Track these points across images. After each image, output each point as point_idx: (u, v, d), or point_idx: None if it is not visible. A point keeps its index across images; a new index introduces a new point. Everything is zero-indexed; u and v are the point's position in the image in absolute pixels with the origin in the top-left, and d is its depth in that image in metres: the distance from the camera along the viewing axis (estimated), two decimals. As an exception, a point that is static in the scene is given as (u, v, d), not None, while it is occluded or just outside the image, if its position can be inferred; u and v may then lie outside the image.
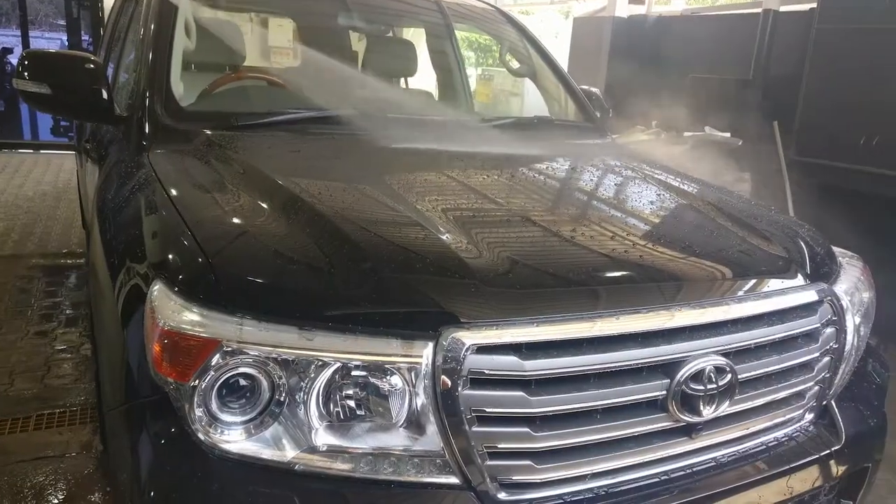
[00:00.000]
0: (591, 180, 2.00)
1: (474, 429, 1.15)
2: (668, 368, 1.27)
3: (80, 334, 3.37)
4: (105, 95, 1.95)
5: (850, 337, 1.58)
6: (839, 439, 1.53)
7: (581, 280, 1.30)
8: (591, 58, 6.82)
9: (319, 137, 2.02)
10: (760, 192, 4.92)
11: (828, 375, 1.54)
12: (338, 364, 1.14)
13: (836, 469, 1.52)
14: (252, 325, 1.13)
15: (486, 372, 1.14)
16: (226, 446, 1.13)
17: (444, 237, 1.34)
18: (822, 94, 4.38)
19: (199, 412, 1.12)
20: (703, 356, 1.29)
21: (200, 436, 1.13)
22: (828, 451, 1.49)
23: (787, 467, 1.45)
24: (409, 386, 1.16)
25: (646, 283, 1.32)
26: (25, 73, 1.93)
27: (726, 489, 1.36)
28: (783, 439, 1.49)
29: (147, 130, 1.91)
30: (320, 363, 1.14)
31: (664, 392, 1.27)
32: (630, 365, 1.23)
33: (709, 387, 1.29)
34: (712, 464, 1.38)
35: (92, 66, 1.96)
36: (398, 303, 1.19)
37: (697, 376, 1.28)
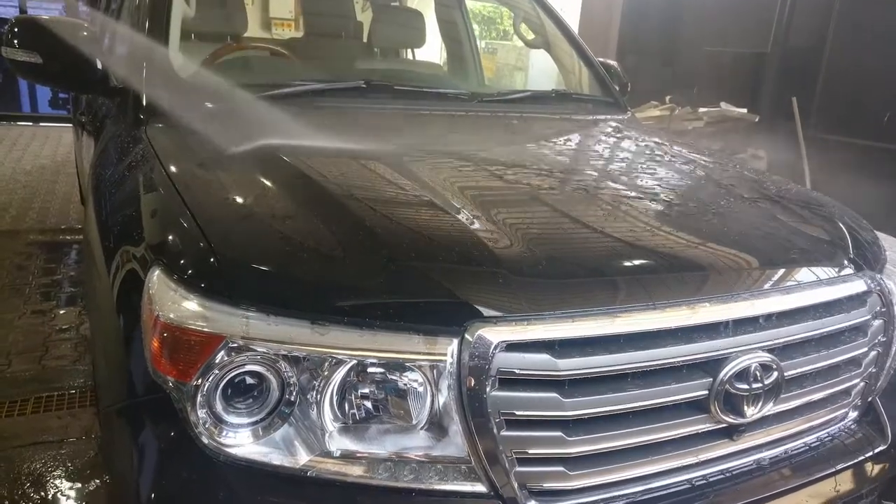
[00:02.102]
0: (622, 161, 1.87)
1: (503, 433, 1.05)
2: (710, 366, 1.17)
3: (80, 313, 3.28)
4: (99, 66, 1.84)
5: (897, 329, 1.48)
6: (885, 439, 1.44)
7: (618, 271, 1.19)
8: (600, 31, 6.63)
9: (328, 111, 1.90)
10: (776, 169, 4.79)
11: (874, 371, 1.44)
12: (353, 361, 1.04)
13: (881, 470, 1.43)
14: (260, 318, 1.03)
15: (517, 371, 1.04)
16: (231, 451, 1.04)
17: (468, 223, 1.23)
18: (845, 67, 4.23)
19: (202, 414, 1.03)
20: (749, 353, 1.19)
21: (204, 439, 1.03)
22: (873, 452, 1.40)
23: (831, 470, 1.35)
24: (431, 386, 1.06)
25: (687, 273, 1.21)
26: (15, 41, 1.81)
27: (766, 494, 1.26)
28: (826, 439, 1.40)
29: (144, 103, 1.80)
30: (334, 360, 1.04)
31: (706, 392, 1.17)
32: (670, 363, 1.13)
33: (754, 386, 1.19)
34: (753, 466, 1.29)
35: (85, 34, 1.84)
36: (420, 294, 1.08)
37: (742, 374, 1.18)
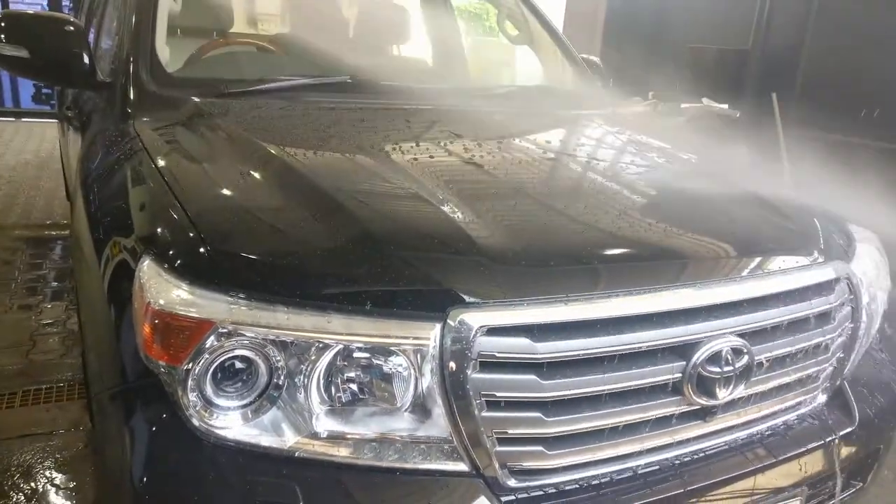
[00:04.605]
0: (600, 152, 1.92)
1: (483, 414, 1.09)
2: (684, 350, 1.22)
3: (66, 308, 3.28)
4: (87, 60, 1.85)
5: (865, 316, 1.54)
6: (852, 421, 1.50)
7: (595, 258, 1.23)
8: (585, 27, 6.68)
9: (314, 105, 1.93)
10: (757, 165, 4.86)
11: (842, 356, 1.50)
12: (340, 346, 1.08)
13: (849, 451, 1.49)
14: (248, 304, 1.06)
15: (497, 355, 1.08)
16: (222, 433, 1.07)
17: (450, 212, 1.27)
18: (824, 64, 4.31)
19: (192, 397, 1.06)
20: (720, 337, 1.24)
21: (195, 422, 1.06)
22: (840, 433, 1.46)
23: (800, 450, 1.41)
24: (414, 369, 1.10)
25: (661, 260, 1.26)
26: (1, 36, 1.82)
27: (738, 473, 1.32)
28: (795, 421, 1.45)
29: (132, 97, 1.82)
30: (321, 345, 1.07)
31: (680, 375, 1.21)
32: (645, 347, 1.18)
33: (725, 369, 1.24)
34: (726, 447, 1.34)
35: (72, 28, 1.86)
36: (403, 281, 1.12)
37: (714, 358, 1.23)
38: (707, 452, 1.32)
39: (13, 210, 4.70)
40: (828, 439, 1.43)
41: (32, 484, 2.12)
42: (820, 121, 4.35)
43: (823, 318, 1.43)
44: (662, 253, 1.28)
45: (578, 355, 1.14)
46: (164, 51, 1.96)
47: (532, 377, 1.11)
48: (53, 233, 4.34)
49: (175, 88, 1.84)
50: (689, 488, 1.27)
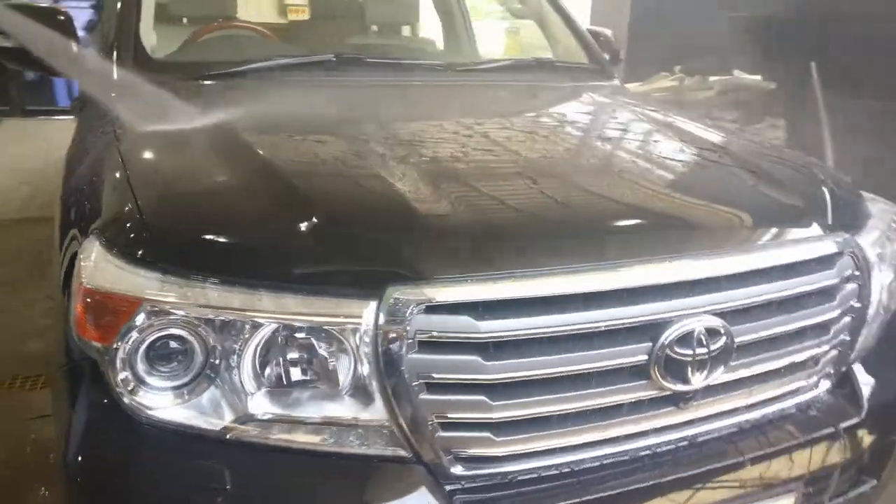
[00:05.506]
0: (576, 123, 1.82)
1: (422, 397, 1.03)
2: (650, 330, 1.12)
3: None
4: (74, 48, 1.88)
5: (876, 294, 1.39)
6: (858, 411, 1.36)
7: (545, 231, 1.15)
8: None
9: (292, 86, 1.89)
10: (795, 138, 4.59)
11: (848, 338, 1.36)
12: (273, 325, 1.03)
13: (855, 443, 1.35)
14: (179, 282, 1.03)
15: (435, 334, 1.02)
16: (154, 413, 1.04)
17: (397, 185, 1.20)
18: (865, 29, 4.00)
19: (123, 376, 1.03)
20: (692, 316, 1.13)
21: (126, 401, 1.04)
22: (845, 424, 1.32)
23: (794, 442, 1.29)
24: (351, 349, 1.04)
25: (620, 233, 1.16)
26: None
27: (720, 465, 1.21)
28: (793, 410, 1.33)
29: (114, 84, 1.83)
30: (254, 324, 1.03)
31: (645, 357, 1.12)
32: (603, 326, 1.09)
33: (698, 351, 1.13)
34: (707, 437, 1.24)
35: (62, 18, 1.89)
36: (339, 257, 1.07)
37: (685, 339, 1.13)
38: (684, 443, 1.22)
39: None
40: (827, 431, 1.30)
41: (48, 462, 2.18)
42: (862, 88, 4.06)
43: (822, 295, 1.30)
44: (622, 225, 1.18)
45: (527, 335, 1.06)
46: (149, 37, 1.97)
47: (474, 358, 1.04)
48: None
49: (157, 73, 1.84)
50: (662, 480, 1.17)
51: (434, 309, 1.02)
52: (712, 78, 4.43)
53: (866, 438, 1.37)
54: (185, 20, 2.48)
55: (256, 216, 1.13)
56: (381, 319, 1.01)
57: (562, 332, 1.07)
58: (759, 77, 4.47)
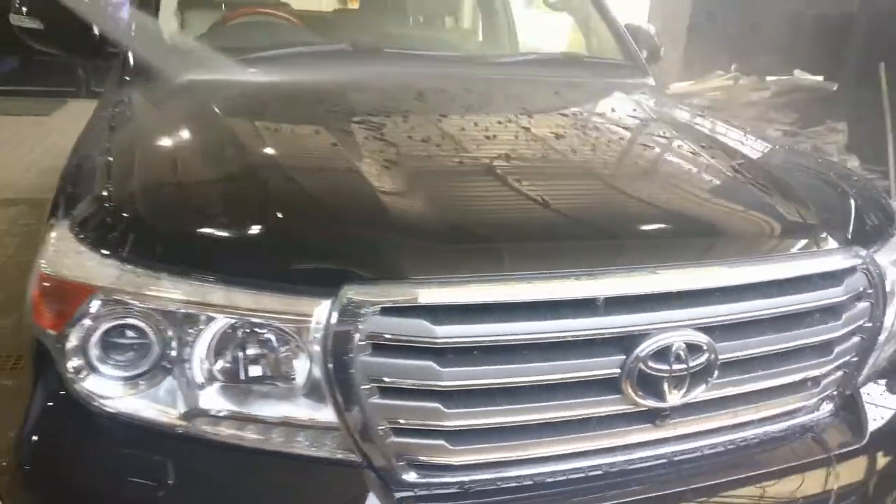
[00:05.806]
0: (578, 122, 1.71)
1: (373, 401, 0.99)
2: (624, 343, 1.05)
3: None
4: (95, 31, 1.90)
5: (892, 315, 1.28)
6: (860, 436, 1.26)
7: (513, 234, 1.09)
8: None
9: (295, 76, 1.85)
10: (856, 143, 4.34)
11: (855, 359, 1.26)
12: (226, 320, 1.01)
13: (856, 471, 1.26)
14: (133, 271, 1.01)
15: (388, 336, 0.98)
16: (104, 403, 1.03)
17: (365, 184, 1.16)
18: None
19: (74, 363, 1.02)
20: (670, 330, 1.06)
21: (77, 388, 1.03)
22: (841, 451, 1.23)
23: (789, 465, 1.21)
24: (303, 348, 1.01)
25: (592, 240, 1.10)
26: (23, 9, 1.89)
27: (697, 486, 1.14)
28: (788, 433, 1.24)
29: (130, 66, 1.84)
30: (207, 318, 1.01)
31: (617, 370, 1.05)
32: (570, 336, 1.03)
33: (675, 367, 1.06)
34: (686, 457, 1.16)
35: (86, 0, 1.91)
36: (294, 253, 1.04)
37: (662, 354, 1.06)
38: (662, 461, 1.15)
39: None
40: (820, 457, 1.21)
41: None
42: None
43: (825, 313, 1.20)
44: (594, 231, 1.11)
45: (488, 342, 1.01)
46: (168, 22, 1.97)
47: (428, 363, 0.99)
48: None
49: (174, 59, 1.84)
50: (634, 498, 1.11)
51: (390, 311, 0.98)
52: (769, 78, 4.21)
53: (868, 466, 1.27)
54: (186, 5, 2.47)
55: (214, 210, 1.10)
56: (334, 319, 0.98)
57: (525, 341, 1.02)
58: (820, 77, 4.24)
